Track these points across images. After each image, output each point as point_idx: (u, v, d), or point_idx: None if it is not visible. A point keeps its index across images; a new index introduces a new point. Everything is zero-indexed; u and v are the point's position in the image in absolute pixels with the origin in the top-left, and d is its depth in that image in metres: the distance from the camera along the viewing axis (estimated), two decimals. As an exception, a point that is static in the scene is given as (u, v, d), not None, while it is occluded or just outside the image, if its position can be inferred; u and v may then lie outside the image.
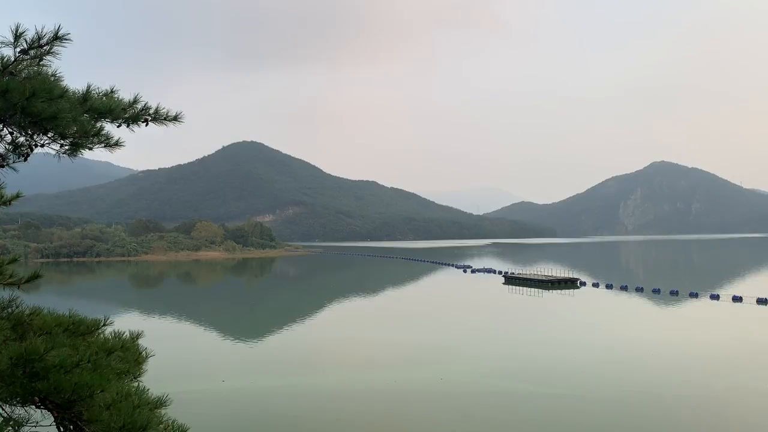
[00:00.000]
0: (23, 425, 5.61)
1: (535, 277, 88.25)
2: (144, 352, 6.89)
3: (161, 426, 5.70)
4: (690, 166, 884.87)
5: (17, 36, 5.71)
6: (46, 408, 5.55)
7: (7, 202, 6.50)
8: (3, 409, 5.55)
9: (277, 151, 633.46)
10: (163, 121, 6.59)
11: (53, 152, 6.05)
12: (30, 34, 5.75)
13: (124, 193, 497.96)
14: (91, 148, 6.25)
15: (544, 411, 26.15)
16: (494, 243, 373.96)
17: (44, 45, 5.81)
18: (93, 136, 6.10)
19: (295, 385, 31.07)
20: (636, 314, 59.17)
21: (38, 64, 5.91)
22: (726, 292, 70.12)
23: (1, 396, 5.31)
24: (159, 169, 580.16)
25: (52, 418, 5.59)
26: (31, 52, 5.83)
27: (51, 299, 56.47)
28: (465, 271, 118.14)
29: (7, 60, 5.74)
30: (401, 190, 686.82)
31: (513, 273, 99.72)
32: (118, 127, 6.43)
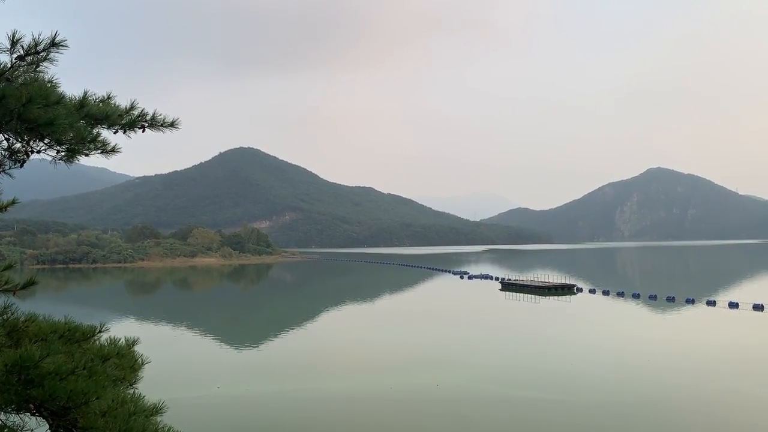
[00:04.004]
0: (18, 433, 5.58)
1: (532, 284, 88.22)
2: (140, 359, 6.87)
3: (157, 433, 5.68)
4: (686, 173, 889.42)
5: (14, 42, 5.71)
6: (41, 415, 5.52)
7: (3, 209, 6.48)
8: (-2, 417, 5.52)
9: (274, 157, 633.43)
10: (160, 127, 6.60)
11: (49, 158, 6.04)
12: (27, 40, 5.75)
13: (121, 199, 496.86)
14: (87, 154, 6.24)
15: (542, 417, 26.08)
16: (491, 249, 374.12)
17: (41, 51, 5.81)
18: (89, 142, 6.10)
19: (291, 392, 30.95)
20: (632, 320, 59.15)
21: (35, 71, 5.91)
22: (722, 298, 70.20)
23: (-4, 403, 5.28)
24: (155, 175, 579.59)
25: (48, 426, 5.57)
26: (28, 59, 5.83)
27: (47, 306, 56.24)
28: (462, 278, 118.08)
29: (4, 66, 5.74)
30: (398, 196, 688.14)
31: (510, 279, 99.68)
32: (114, 133, 6.43)
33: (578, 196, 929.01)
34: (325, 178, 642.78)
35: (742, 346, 43.68)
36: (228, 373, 35.88)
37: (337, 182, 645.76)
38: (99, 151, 6.24)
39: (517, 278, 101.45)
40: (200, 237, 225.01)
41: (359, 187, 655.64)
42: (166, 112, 6.59)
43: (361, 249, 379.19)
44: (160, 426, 5.89)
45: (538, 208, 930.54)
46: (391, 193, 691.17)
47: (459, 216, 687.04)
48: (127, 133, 6.49)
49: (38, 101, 5.53)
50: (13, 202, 6.53)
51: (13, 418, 5.54)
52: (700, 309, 64.05)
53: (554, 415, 26.36)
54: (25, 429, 5.57)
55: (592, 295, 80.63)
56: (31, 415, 5.53)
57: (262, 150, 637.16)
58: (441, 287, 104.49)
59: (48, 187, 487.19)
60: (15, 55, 5.75)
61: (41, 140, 5.93)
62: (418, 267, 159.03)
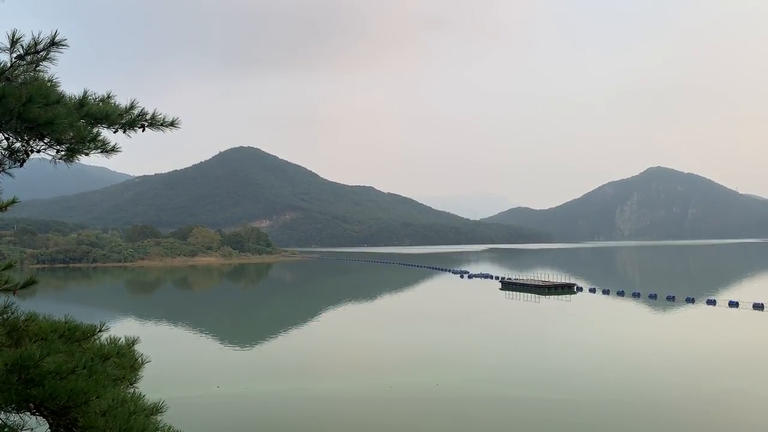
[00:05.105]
0: (18, 432, 5.58)
1: (532, 283, 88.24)
2: (140, 358, 6.88)
3: (157, 432, 5.68)
4: (686, 172, 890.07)
5: (14, 41, 5.70)
6: (41, 415, 5.52)
7: (3, 208, 6.48)
8: (-2, 416, 5.51)
9: (274, 156, 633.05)
10: (160, 126, 6.60)
11: (49, 158, 6.03)
12: (27, 40, 5.74)
13: (121, 198, 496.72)
14: (87, 154, 6.24)
15: (542, 416, 26.09)
16: (491, 248, 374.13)
17: (41, 50, 5.80)
18: (89, 141, 6.09)
19: (291, 391, 30.96)
20: (632, 319, 59.15)
21: (35, 70, 5.90)
22: (722, 297, 70.18)
23: (-4, 403, 5.27)
24: (155, 174, 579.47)
25: (48, 425, 5.56)
26: (28, 58, 5.82)
27: (47, 305, 56.09)
28: (462, 277, 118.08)
29: (4, 65, 5.74)
30: (398, 195, 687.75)
31: (510, 278, 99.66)
32: (114, 132, 6.43)
33: (578, 195, 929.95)
34: (325, 178, 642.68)
35: (742, 345, 43.68)
36: (228, 372, 35.89)
37: (337, 181, 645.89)
38: (99, 150, 6.24)
39: (517, 277, 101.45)
40: (200, 236, 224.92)
41: (359, 186, 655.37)
42: (166, 112, 6.58)
43: (362, 248, 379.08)
44: (160, 425, 5.89)
45: (538, 208, 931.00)
46: (391, 192, 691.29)
47: (459, 215, 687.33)
48: (127, 132, 6.49)
49: (38, 100, 5.52)
50: (13, 202, 6.53)
51: (13, 418, 5.54)
52: (700, 308, 64.04)
53: (554, 414, 26.36)
54: (25, 428, 5.57)
55: (592, 294, 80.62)
56: (31, 414, 5.53)
57: (262, 149, 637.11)
58: (441, 286, 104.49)
59: (48, 187, 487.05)
60: (15, 55, 5.75)
61: (41, 139, 5.92)
62: (418, 266, 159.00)
